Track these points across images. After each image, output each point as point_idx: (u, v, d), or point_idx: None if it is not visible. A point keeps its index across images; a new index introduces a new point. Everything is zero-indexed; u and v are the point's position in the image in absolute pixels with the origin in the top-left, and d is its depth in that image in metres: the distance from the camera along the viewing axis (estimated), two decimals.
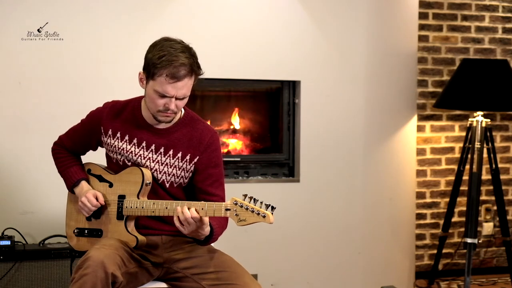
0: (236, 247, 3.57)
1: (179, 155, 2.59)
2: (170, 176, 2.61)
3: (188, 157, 2.60)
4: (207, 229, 2.44)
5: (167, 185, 2.61)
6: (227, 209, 2.35)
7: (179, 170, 2.60)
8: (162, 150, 2.60)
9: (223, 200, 2.59)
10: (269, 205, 2.30)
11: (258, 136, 4.28)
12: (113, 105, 2.68)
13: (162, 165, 2.60)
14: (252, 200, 2.31)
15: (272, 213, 2.29)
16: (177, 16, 3.86)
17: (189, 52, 2.48)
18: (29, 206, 3.63)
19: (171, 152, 2.60)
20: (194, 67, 2.48)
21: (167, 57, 2.43)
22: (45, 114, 3.65)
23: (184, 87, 2.47)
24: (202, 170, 2.61)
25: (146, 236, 2.59)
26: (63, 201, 2.81)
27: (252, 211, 2.30)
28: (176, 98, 2.48)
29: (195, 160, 2.60)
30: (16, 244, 3.39)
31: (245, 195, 2.32)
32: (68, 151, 2.77)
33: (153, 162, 2.60)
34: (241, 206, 2.31)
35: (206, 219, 2.41)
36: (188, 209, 2.39)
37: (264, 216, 2.29)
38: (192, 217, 2.37)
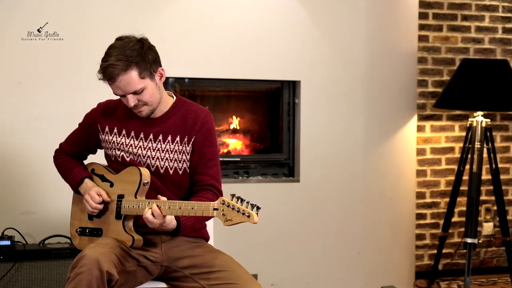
0: (236, 247, 3.57)
1: (177, 138, 2.62)
2: (172, 161, 2.62)
3: (186, 139, 2.62)
4: (172, 223, 2.49)
5: (171, 171, 2.63)
6: (215, 209, 2.35)
7: (179, 154, 2.62)
8: (160, 137, 2.62)
9: (215, 181, 2.62)
10: (255, 205, 2.30)
11: (258, 136, 4.28)
12: (106, 104, 2.73)
13: (162, 152, 2.62)
14: (239, 200, 2.32)
15: (257, 213, 2.29)
16: (177, 16, 3.86)
17: (124, 48, 2.47)
18: (29, 206, 3.63)
19: (169, 138, 2.62)
20: (127, 63, 2.45)
21: (101, 60, 2.51)
22: (45, 114, 3.65)
23: (126, 84, 2.48)
24: (197, 149, 2.63)
25: (145, 235, 2.59)
26: (63, 201, 2.82)
27: (238, 211, 2.30)
28: (133, 93, 2.50)
29: (192, 140, 2.63)
30: (16, 244, 3.39)
31: (233, 195, 2.33)
32: (69, 156, 2.79)
33: (153, 151, 2.62)
34: (228, 206, 2.32)
35: (168, 218, 2.45)
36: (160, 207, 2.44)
37: (248, 216, 2.28)
38: (153, 212, 2.43)
